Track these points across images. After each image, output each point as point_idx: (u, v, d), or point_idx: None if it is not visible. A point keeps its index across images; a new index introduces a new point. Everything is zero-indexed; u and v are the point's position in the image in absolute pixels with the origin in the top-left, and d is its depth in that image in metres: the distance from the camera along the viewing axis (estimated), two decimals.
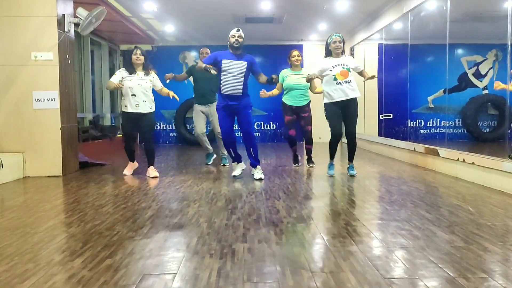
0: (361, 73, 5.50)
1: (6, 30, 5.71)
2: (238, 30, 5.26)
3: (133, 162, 5.93)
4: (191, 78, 6.72)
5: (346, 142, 5.66)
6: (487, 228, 3.08)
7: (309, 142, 6.39)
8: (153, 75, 5.64)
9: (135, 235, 2.99)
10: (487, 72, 10.49)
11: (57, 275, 2.28)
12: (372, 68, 9.43)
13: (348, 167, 5.66)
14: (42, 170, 5.78)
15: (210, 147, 6.80)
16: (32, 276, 2.25)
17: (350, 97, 5.30)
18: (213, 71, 5.02)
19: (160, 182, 5.25)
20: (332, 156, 5.64)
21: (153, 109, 5.65)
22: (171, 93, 5.66)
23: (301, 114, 6.23)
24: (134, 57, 5.52)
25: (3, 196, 4.65)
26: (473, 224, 3.19)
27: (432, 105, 10.55)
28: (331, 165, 5.65)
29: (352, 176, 5.52)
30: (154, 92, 5.71)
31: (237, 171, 5.51)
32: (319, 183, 5.16)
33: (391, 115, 9.59)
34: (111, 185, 5.10)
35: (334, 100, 5.34)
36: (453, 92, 10.22)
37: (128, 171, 5.86)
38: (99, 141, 8.10)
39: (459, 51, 10.43)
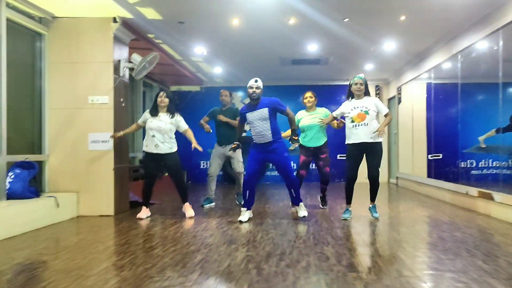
0: (387, 116, 5.42)
1: (67, 75, 6.05)
2: (256, 81, 5.42)
3: (147, 207, 5.88)
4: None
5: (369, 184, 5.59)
6: None
7: (325, 182, 6.37)
8: (176, 117, 5.75)
9: (185, 280, 3.02)
10: None
11: None
12: (420, 107, 9.31)
13: (370, 207, 5.58)
14: (95, 209, 5.96)
15: (213, 193, 6.85)
16: None
17: (364, 140, 5.31)
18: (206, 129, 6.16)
19: (208, 223, 5.30)
20: (348, 200, 5.61)
21: (174, 149, 5.76)
22: (195, 144, 5.71)
23: (320, 155, 6.21)
24: (159, 99, 5.71)
25: (58, 236, 4.81)
26: None
27: (484, 145, 10.21)
28: (347, 210, 5.60)
29: (376, 218, 5.43)
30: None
31: (244, 217, 5.46)
32: (367, 227, 5.05)
33: (441, 155, 9.35)
34: (160, 226, 5.19)
35: (351, 142, 5.39)
36: (506, 132, 9.89)
37: (142, 214, 5.77)
38: None
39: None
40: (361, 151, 5.41)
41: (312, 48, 7.89)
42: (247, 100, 7.03)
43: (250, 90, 5.40)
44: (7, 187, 5.12)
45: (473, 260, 3.49)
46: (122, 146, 6.34)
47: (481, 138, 10.20)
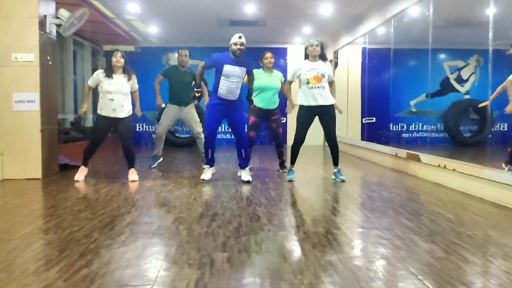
0: (331, 84, 5.49)
1: None
2: (240, 37, 5.19)
3: (86, 166, 5.68)
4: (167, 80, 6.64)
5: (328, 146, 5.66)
6: (468, 237, 3.09)
7: (281, 144, 6.38)
8: (133, 79, 5.57)
9: (113, 243, 2.94)
10: (469, 77, 10.62)
11: (31, 285, 2.22)
12: (355, 71, 9.50)
13: (334, 172, 5.62)
14: (22, 172, 5.67)
15: (161, 150, 6.77)
16: (5, 287, 2.19)
17: (320, 104, 5.31)
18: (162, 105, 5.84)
19: (141, 186, 5.19)
20: (292, 161, 5.61)
21: (131, 112, 5.58)
22: (138, 109, 5.77)
23: (271, 117, 6.17)
24: (114, 59, 5.44)
25: None
26: (453, 233, 3.20)
27: (414, 109, 10.64)
28: (290, 170, 5.63)
29: (342, 181, 5.49)
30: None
31: (207, 175, 5.45)
32: (301, 189, 5.14)
33: (374, 119, 9.64)
34: (91, 189, 5.02)
35: (305, 104, 5.36)
36: (435, 97, 10.34)
37: (80, 176, 5.58)
38: (80, 143, 7.97)
39: (442, 56, 10.55)
40: (314, 114, 5.39)
41: (250, 9, 7.75)
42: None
43: (235, 47, 5.15)
44: None
45: (399, 218, 3.64)
46: (50, 107, 6.02)
47: (412, 102, 10.63)
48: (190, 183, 5.34)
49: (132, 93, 5.64)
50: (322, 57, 5.45)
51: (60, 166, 6.31)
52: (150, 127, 11.06)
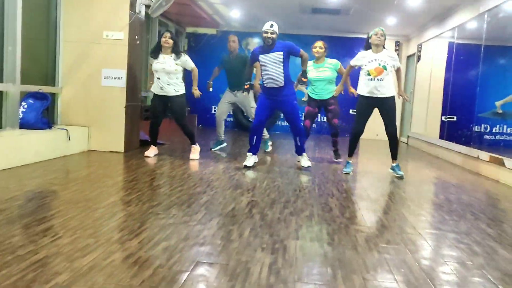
0: (397, 71, 5.31)
1: (81, 9, 5.92)
2: (271, 26, 5.24)
3: (155, 146, 5.94)
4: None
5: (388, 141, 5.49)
6: None
7: (335, 135, 6.30)
8: (182, 57, 5.69)
9: (190, 219, 3.06)
10: None
11: (116, 253, 2.37)
12: (439, 67, 9.10)
13: (393, 166, 5.45)
14: (106, 145, 6.01)
15: (223, 135, 6.88)
16: (92, 252, 2.36)
17: (378, 96, 5.17)
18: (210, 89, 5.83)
19: (215, 168, 5.33)
20: (350, 153, 5.52)
21: (180, 92, 5.72)
22: (195, 88, 5.86)
23: (328, 107, 6.15)
24: (163, 39, 5.61)
25: (69, 168, 4.89)
26: None
27: (500, 111, 10.03)
28: (348, 163, 5.52)
29: (400, 177, 5.32)
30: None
31: (250, 161, 5.44)
32: (373, 183, 5.06)
33: (455, 117, 9.22)
34: (168, 166, 5.24)
35: (365, 94, 5.25)
36: None
37: (150, 152, 5.83)
38: None
39: None
40: (373, 106, 5.29)
41: None
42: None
43: (265, 35, 5.23)
44: (20, 117, 5.16)
45: (477, 223, 3.49)
46: (135, 85, 6.31)
47: (498, 103, 10.01)
48: (263, 169, 5.42)
49: (191, 73, 5.83)
50: (384, 46, 5.28)
51: (140, 141, 6.61)
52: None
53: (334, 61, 6.21)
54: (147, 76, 8.92)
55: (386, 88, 5.19)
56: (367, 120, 5.38)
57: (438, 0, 7.51)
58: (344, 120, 9.97)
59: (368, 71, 5.18)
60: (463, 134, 9.35)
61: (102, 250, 2.40)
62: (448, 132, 8.92)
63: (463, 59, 8.86)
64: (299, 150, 5.57)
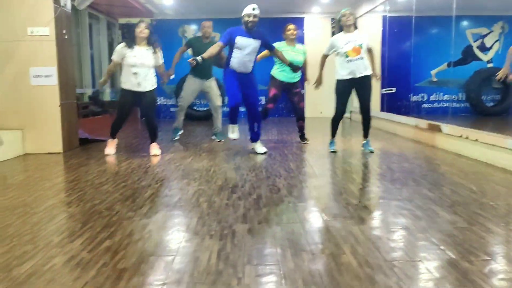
0: (369, 51, 5.39)
1: (1, 5, 5.58)
2: (254, 9, 5.06)
3: (114, 139, 5.64)
4: (190, 51, 6.54)
5: (360, 118, 5.61)
6: (490, 208, 3.05)
7: (302, 118, 6.28)
8: (157, 52, 5.37)
9: (134, 215, 2.97)
10: (493, 45, 10.32)
11: (56, 257, 2.26)
12: (375, 41, 9.28)
13: (364, 143, 5.60)
14: (42, 147, 5.74)
15: (182, 122, 6.72)
16: (30, 259, 2.24)
17: (363, 74, 5.22)
18: (192, 62, 4.98)
19: (161, 159, 5.22)
20: (333, 133, 5.58)
21: (155, 86, 5.46)
22: (166, 77, 5.57)
23: (294, 90, 6.07)
24: (137, 30, 5.23)
25: (4, 174, 4.63)
26: (475, 203, 3.16)
27: (435, 79, 10.42)
28: (332, 142, 5.60)
29: (371, 152, 5.46)
30: None
31: (236, 134, 5.40)
32: (319, 160, 5.11)
33: (394, 89, 9.49)
34: (111, 162, 5.07)
35: (345, 78, 5.25)
36: (457, 66, 10.11)
37: (111, 149, 5.57)
38: (99, 117, 8.03)
39: (464, 23, 10.25)
40: (353, 87, 5.32)
41: None
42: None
43: (248, 19, 5.04)
44: None
45: (419, 189, 3.60)
46: (68, 81, 6.04)
47: (433, 72, 10.40)
48: (209, 156, 5.36)
49: (157, 68, 5.46)
50: (355, 26, 5.33)
51: (80, 140, 6.37)
52: (167, 100, 11.07)
53: (302, 46, 6.22)
54: (81, 72, 8.62)
55: (367, 65, 5.25)
56: (348, 100, 5.45)
57: None
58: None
59: (345, 53, 5.17)
60: (402, 105, 9.66)
61: (42, 255, 2.28)
62: (388, 104, 9.18)
63: (396, 31, 9.10)
64: (256, 136, 5.48)
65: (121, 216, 2.94)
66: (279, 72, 6.00)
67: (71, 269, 2.12)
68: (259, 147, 5.46)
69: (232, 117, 5.41)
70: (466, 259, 2.16)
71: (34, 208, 3.19)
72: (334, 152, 5.47)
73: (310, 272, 2.06)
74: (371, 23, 9.61)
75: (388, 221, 2.80)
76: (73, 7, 6.15)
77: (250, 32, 5.11)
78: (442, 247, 2.32)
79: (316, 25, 11.08)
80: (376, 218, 2.88)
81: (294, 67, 5.58)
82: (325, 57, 5.55)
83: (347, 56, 5.19)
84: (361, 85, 5.31)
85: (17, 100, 5.68)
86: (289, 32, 6.02)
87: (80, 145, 6.31)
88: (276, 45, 5.79)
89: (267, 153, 5.38)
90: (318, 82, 5.69)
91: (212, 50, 5.15)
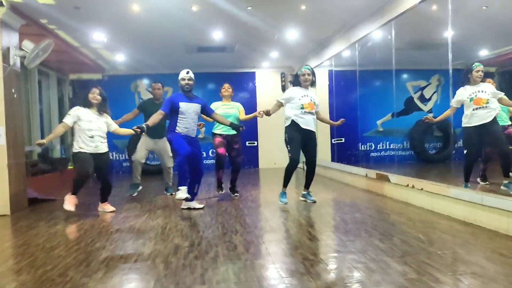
0: (318, 113, 5.72)
1: None
2: (187, 73, 5.39)
3: (75, 195, 5.39)
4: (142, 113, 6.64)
5: (305, 168, 5.79)
6: (438, 257, 3.19)
7: (237, 171, 6.41)
8: (107, 117, 5.44)
9: (89, 281, 2.91)
10: (431, 96, 10.99)
11: None
12: (323, 93, 9.68)
13: (304, 194, 5.80)
14: None
15: (139, 178, 6.70)
16: None
17: (310, 128, 5.53)
18: (137, 130, 5.18)
19: (115, 217, 5.13)
20: (285, 183, 5.67)
21: (107, 148, 5.48)
22: (132, 130, 5.39)
23: (233, 146, 6.24)
24: (90, 95, 5.28)
25: None
26: (424, 253, 3.30)
27: (381, 129, 10.90)
28: (283, 193, 5.68)
29: (314, 202, 5.65)
30: None
31: (183, 194, 5.24)
32: (275, 213, 5.18)
33: (343, 139, 9.84)
34: (62, 223, 4.93)
35: (298, 126, 5.46)
36: (401, 116, 10.64)
37: (71, 205, 5.27)
38: (49, 175, 7.84)
39: (405, 76, 10.89)
40: (302, 136, 5.52)
41: (218, 35, 7.85)
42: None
43: (183, 82, 5.35)
44: None
45: (371, 240, 3.72)
46: (17, 141, 5.91)
47: (379, 122, 10.90)
48: (164, 213, 5.32)
49: (114, 132, 5.52)
50: (313, 84, 5.64)
51: (29, 200, 6.17)
52: (120, 155, 10.94)
53: (237, 103, 6.45)
54: (30, 129, 8.43)
55: (315, 122, 5.61)
56: (300, 146, 5.56)
57: (314, 33, 8.05)
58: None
59: (302, 104, 5.44)
60: (352, 154, 9.99)
61: None
62: (338, 154, 9.47)
63: (343, 84, 9.55)
64: (192, 195, 5.50)
65: (75, 283, 2.86)
66: (217, 128, 6.24)
67: None
68: (196, 204, 5.52)
69: (183, 172, 5.28)
70: None
71: None
72: (286, 203, 5.56)
73: None
74: (318, 77, 10.02)
75: (343, 276, 2.87)
76: (22, 64, 6.10)
77: (189, 96, 5.41)
78: None
79: (266, 79, 11.47)
80: (332, 273, 2.95)
81: (234, 126, 5.71)
82: (280, 104, 5.63)
83: (302, 108, 5.44)
84: (309, 138, 5.58)
85: None
86: (223, 90, 6.37)
87: (29, 205, 6.11)
88: (213, 105, 6.12)
89: (204, 207, 5.49)
90: (267, 112, 5.53)
91: (154, 119, 5.36)
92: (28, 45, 5.86)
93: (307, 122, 5.49)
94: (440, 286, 2.63)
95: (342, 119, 5.90)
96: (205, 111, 5.57)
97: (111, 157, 5.54)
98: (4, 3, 5.54)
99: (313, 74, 5.64)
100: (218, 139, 6.20)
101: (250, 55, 9.77)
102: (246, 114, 6.35)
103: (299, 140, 5.52)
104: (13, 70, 5.86)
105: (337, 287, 2.66)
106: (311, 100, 5.52)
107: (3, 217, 5.46)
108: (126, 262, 3.32)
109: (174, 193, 6.50)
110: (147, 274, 3.02)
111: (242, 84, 11.34)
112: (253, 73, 11.47)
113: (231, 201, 6.07)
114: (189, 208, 5.46)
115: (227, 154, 6.29)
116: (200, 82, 10.95)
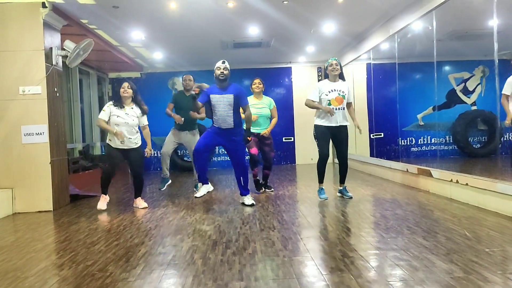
0: (349, 105, 5.55)
1: None
2: (223, 62, 5.30)
3: (106, 195, 5.65)
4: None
5: (338, 163, 5.67)
6: (486, 255, 3.05)
7: (269, 168, 6.37)
8: (141, 112, 5.53)
9: (128, 276, 2.92)
10: (475, 88, 10.59)
11: None
12: (361, 87, 9.50)
13: (341, 189, 5.70)
14: (32, 205, 5.68)
15: (168, 172, 6.70)
16: None
17: (340, 124, 5.42)
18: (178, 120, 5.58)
19: (153, 214, 5.18)
20: (320, 179, 5.62)
21: (139, 144, 5.56)
22: (149, 149, 5.61)
23: (265, 141, 6.22)
24: (121, 90, 5.42)
25: None
26: (471, 251, 3.15)
27: (422, 123, 10.59)
28: (321, 189, 5.62)
29: (350, 198, 5.57)
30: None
31: (200, 193, 5.33)
32: (312, 209, 5.10)
33: (382, 134, 9.62)
34: (102, 219, 5.01)
35: (325, 125, 5.39)
36: (442, 109, 10.31)
37: (103, 205, 5.56)
38: (89, 172, 8.01)
39: (447, 68, 10.54)
40: (332, 133, 5.46)
41: (253, 31, 7.81)
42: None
43: (218, 71, 5.26)
44: None
45: (414, 237, 3.59)
46: (59, 138, 6.05)
47: (419, 115, 10.59)
48: (202, 209, 5.33)
49: (141, 128, 5.61)
50: (341, 76, 5.50)
51: (70, 196, 6.32)
52: (157, 152, 11.07)
53: (269, 99, 6.38)
54: (71, 127, 8.65)
55: (346, 116, 5.48)
56: (329, 142, 5.52)
57: (351, 26, 7.88)
58: (278, 149, 10.13)
59: (329, 101, 5.36)
60: (392, 149, 9.76)
61: None
62: (377, 148, 9.27)
63: (381, 77, 9.32)
64: (244, 191, 5.49)
65: (114, 278, 2.89)
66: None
67: None
68: (247, 200, 5.47)
69: (196, 166, 5.38)
70: None
71: (25, 272, 3.13)
72: (326, 199, 5.48)
73: None
74: (356, 70, 9.86)
75: (385, 274, 2.78)
76: (64, 64, 6.24)
77: (222, 87, 5.29)
78: None
79: (303, 74, 11.35)
80: (373, 270, 2.86)
81: (248, 134, 5.49)
82: (313, 102, 5.52)
83: (329, 105, 5.33)
84: (339, 133, 5.48)
85: (8, 158, 5.68)
86: (254, 86, 6.29)
87: (70, 201, 6.26)
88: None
89: (254, 205, 5.37)
90: (327, 109, 5.41)
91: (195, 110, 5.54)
92: (69, 45, 5.98)
93: (334, 119, 5.39)
94: (489, 285, 2.50)
95: (360, 128, 5.68)
96: (239, 100, 5.35)
97: (143, 155, 5.56)
98: (46, 4, 5.68)
99: (341, 66, 5.53)
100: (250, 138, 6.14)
101: (286, 50, 9.68)
102: (282, 109, 6.28)
103: (327, 136, 5.46)
104: (56, 69, 6.00)
105: (379, 285, 2.57)
106: (338, 94, 5.39)
107: (46, 213, 5.60)
108: (165, 258, 3.33)
109: (164, 188, 6.65)
110: (185, 270, 3.01)
111: (278, 80, 11.27)
112: (289, 68, 11.36)
113: (268, 197, 6.02)
114: (248, 204, 5.43)
115: (259, 151, 6.25)
116: (235, 78, 10.97)
